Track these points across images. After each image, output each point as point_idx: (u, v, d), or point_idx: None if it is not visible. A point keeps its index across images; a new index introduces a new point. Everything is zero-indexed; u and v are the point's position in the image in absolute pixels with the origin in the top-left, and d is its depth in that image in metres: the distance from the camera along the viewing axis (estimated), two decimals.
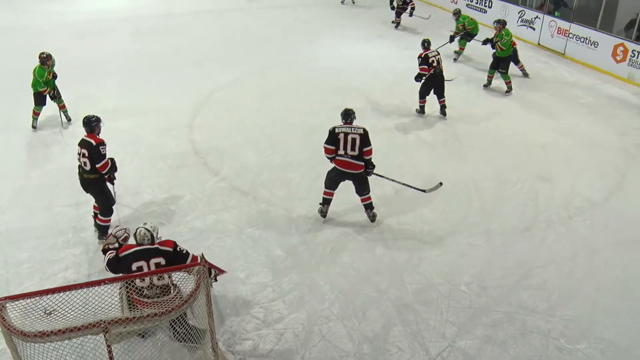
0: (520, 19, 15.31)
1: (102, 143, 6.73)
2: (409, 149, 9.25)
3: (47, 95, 9.92)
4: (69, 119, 10.27)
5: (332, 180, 7.28)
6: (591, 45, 13.08)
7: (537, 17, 14.71)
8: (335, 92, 11.45)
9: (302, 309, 5.88)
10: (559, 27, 13.99)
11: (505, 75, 11.58)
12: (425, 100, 10.57)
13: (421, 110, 10.67)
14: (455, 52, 14.08)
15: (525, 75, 12.60)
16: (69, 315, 4.46)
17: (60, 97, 10.08)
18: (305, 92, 11.63)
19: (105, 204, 7.03)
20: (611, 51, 12.57)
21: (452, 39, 13.77)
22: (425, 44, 10.44)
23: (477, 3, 17.40)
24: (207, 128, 9.98)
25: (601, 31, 12.95)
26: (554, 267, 6.44)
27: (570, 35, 13.63)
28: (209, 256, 6.47)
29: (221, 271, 6.02)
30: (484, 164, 8.70)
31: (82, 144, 6.77)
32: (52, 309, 4.46)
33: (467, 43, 13.83)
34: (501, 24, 11.54)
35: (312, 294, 6.09)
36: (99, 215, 7.08)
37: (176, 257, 5.26)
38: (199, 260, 5.55)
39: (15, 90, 12.00)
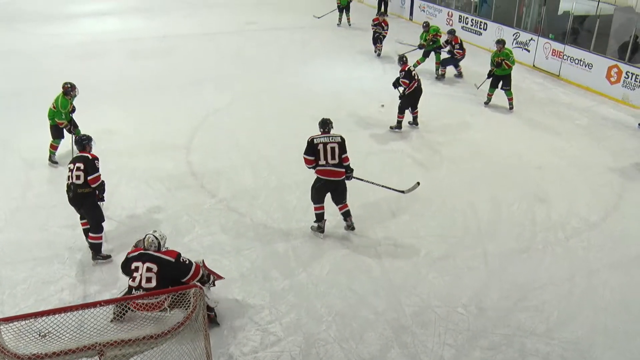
0: (515, 41, 15.44)
1: (96, 158, 6.89)
2: (405, 170, 9.26)
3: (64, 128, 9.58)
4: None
5: (319, 193, 7.40)
6: (586, 66, 13.19)
7: (531, 39, 14.85)
8: (332, 114, 11.37)
9: (299, 332, 5.84)
10: (553, 49, 14.12)
11: (509, 92, 11.83)
12: (403, 116, 10.87)
13: (398, 126, 10.89)
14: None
15: (460, 75, 14.21)
16: (64, 337, 4.43)
17: (77, 127, 9.65)
18: (301, 114, 11.63)
19: (97, 220, 7.06)
20: (605, 72, 12.67)
21: (420, 46, 14.44)
22: (404, 59, 10.83)
23: (472, 25, 17.58)
24: (204, 150, 10.00)
25: (595, 53, 13.08)
26: (552, 289, 6.42)
27: (565, 57, 13.76)
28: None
29: (219, 277, 6.07)
30: (480, 185, 8.72)
31: (77, 159, 6.85)
32: (46, 331, 4.43)
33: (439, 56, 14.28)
34: (502, 43, 11.80)
35: (309, 316, 6.06)
36: (90, 234, 7.07)
37: (177, 267, 5.45)
38: (201, 269, 5.61)
39: (10, 111, 12.12)
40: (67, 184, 6.91)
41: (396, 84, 10.84)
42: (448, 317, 6.01)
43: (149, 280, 5.37)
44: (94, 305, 4.79)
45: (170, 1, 25.81)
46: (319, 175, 7.32)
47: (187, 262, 5.51)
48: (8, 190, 8.79)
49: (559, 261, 6.94)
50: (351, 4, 19.66)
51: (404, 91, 10.61)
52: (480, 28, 17.22)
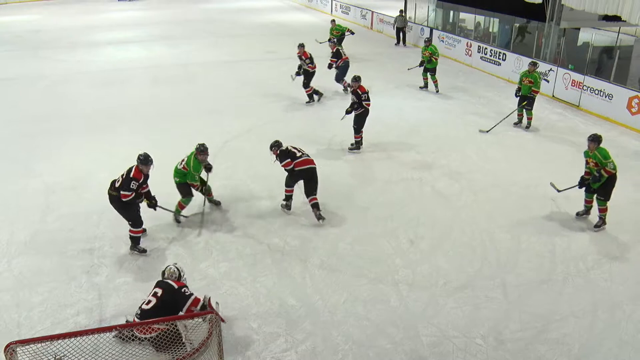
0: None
1: (136, 179, 7.38)
2: (424, 200, 9.22)
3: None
4: (217, 203, 9.15)
5: (295, 179, 8.71)
6: (606, 97, 13.13)
7: (551, 69, 14.84)
8: (349, 142, 11.53)
9: None
10: (573, 80, 14.09)
11: (530, 112, 12.33)
12: (361, 135, 11.28)
13: (357, 146, 11.29)
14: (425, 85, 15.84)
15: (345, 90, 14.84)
16: None
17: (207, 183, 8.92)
18: (320, 142, 11.72)
19: (131, 217, 7.62)
20: (626, 103, 12.60)
21: (421, 63, 15.52)
22: (358, 80, 11.09)
23: (491, 56, 17.63)
24: (222, 176, 10.04)
25: (615, 83, 13.03)
26: (573, 321, 6.29)
27: (585, 88, 13.71)
28: (221, 305, 6.46)
29: (220, 319, 5.95)
30: (499, 215, 8.63)
31: (131, 168, 7.48)
32: (62, 354, 4.44)
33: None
34: (534, 65, 12.24)
35: (325, 344, 6.00)
36: (130, 228, 7.63)
37: (177, 295, 5.69)
38: (199, 304, 5.65)
39: (34, 136, 12.32)
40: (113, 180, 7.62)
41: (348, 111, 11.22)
42: (466, 349, 5.91)
43: (149, 302, 5.66)
44: (109, 329, 4.81)
45: (193, 30, 26.37)
46: (298, 169, 8.52)
47: (187, 293, 5.73)
48: (28, 214, 8.90)
49: (580, 293, 6.81)
50: (347, 36, 19.86)
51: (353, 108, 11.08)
52: (499, 58, 17.27)
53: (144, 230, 8.02)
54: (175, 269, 6.12)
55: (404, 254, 7.68)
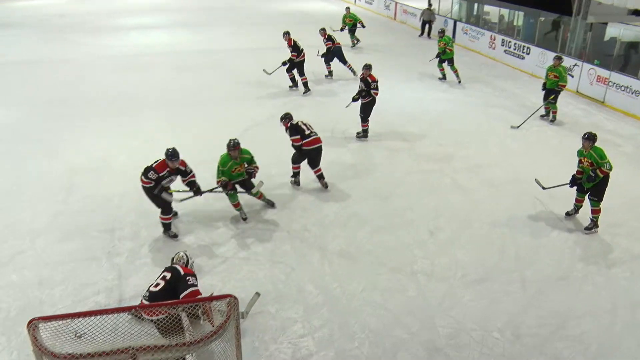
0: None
1: (155, 170, 7.43)
2: (444, 191, 9.18)
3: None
4: (271, 204, 8.76)
5: (302, 158, 9.19)
6: (632, 93, 12.93)
7: (576, 64, 14.64)
8: (371, 132, 11.51)
9: (331, 347, 5.81)
10: (598, 75, 13.90)
11: (554, 106, 12.31)
12: (368, 124, 11.44)
13: (364, 135, 11.50)
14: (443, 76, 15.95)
15: (354, 72, 15.61)
16: (98, 339, 4.49)
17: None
18: (341, 130, 11.72)
19: (158, 204, 7.68)
20: None
21: (437, 55, 15.61)
22: (369, 68, 11.19)
23: (515, 49, 17.45)
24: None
25: None
26: (591, 319, 6.24)
27: (610, 84, 13.52)
28: (239, 289, 6.53)
29: (210, 320, 5.59)
30: (518, 210, 8.57)
31: (159, 159, 7.56)
32: (82, 332, 4.49)
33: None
34: (559, 59, 12.19)
35: (342, 332, 6.03)
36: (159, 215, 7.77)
37: (180, 281, 5.65)
38: (197, 296, 5.68)
39: (58, 119, 12.48)
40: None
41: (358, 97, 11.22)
42: (483, 341, 5.90)
43: (157, 285, 5.68)
44: (129, 309, 4.86)
45: (215, 17, 26.39)
46: (305, 148, 8.98)
47: (189, 282, 5.66)
48: (51, 195, 9.04)
49: (600, 291, 6.75)
50: (359, 28, 19.95)
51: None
52: (523, 52, 17.08)
53: (175, 214, 8.15)
54: (184, 255, 6.20)
55: (422, 244, 7.67)
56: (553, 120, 12.41)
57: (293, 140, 9.10)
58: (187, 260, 6.16)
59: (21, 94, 14.64)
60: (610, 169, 7.66)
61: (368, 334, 6.00)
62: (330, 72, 16.14)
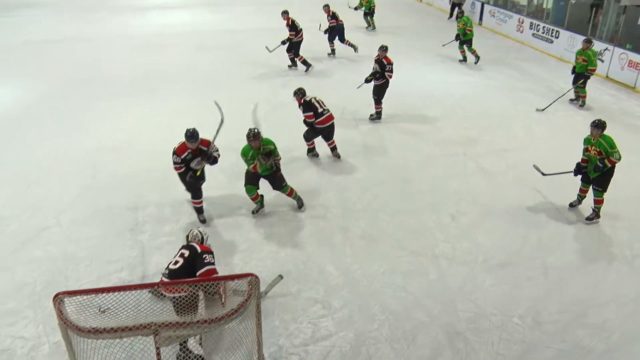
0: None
1: (176, 154, 7.31)
2: (467, 175, 9.11)
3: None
4: (300, 205, 8.21)
5: (315, 135, 9.44)
6: None
7: (606, 49, 14.34)
8: (395, 115, 11.44)
9: (351, 328, 5.84)
10: (630, 60, 13.59)
11: (583, 90, 12.10)
12: (381, 106, 11.33)
13: (377, 117, 11.44)
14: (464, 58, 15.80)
15: (354, 48, 15.94)
16: (121, 314, 4.56)
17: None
18: (361, 111, 11.65)
19: (187, 188, 7.71)
20: None
21: (457, 37, 15.45)
22: (385, 49, 11.01)
23: (543, 33, 17.14)
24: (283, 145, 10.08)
25: None
26: (614, 307, 6.17)
27: None
28: (260, 268, 6.58)
29: (221, 299, 5.77)
30: (543, 195, 8.47)
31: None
32: (106, 307, 4.56)
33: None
34: (588, 42, 11.92)
35: (361, 313, 6.05)
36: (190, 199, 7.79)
37: (195, 258, 5.73)
38: (214, 275, 5.72)
39: (82, 97, 12.61)
40: None
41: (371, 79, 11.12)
42: (503, 327, 5.88)
43: (176, 263, 5.74)
44: (151, 286, 4.93)
45: None
46: (319, 126, 9.22)
47: (206, 260, 5.72)
48: (77, 172, 9.18)
49: (624, 280, 6.66)
50: (376, 9, 19.76)
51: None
52: (552, 35, 16.77)
53: (204, 221, 7.88)
54: (198, 232, 6.27)
55: (444, 228, 7.64)
56: (582, 105, 12.19)
57: (306, 117, 9.22)
58: (202, 238, 6.23)
59: (44, 73, 14.79)
60: (619, 159, 7.39)
61: (388, 316, 6.01)
62: (333, 51, 16.18)
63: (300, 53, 14.56)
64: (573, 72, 12.17)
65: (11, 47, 17.57)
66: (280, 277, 6.13)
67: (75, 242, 7.32)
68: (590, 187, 7.83)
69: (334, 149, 9.59)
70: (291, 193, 7.99)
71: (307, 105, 9.13)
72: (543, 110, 11.90)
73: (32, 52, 16.97)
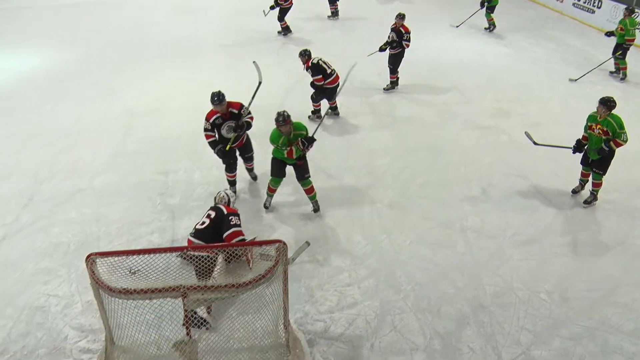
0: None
1: (206, 120, 7.11)
2: (500, 149, 8.98)
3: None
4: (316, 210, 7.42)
5: (322, 96, 9.58)
6: None
7: None
8: (427, 85, 11.30)
9: (377, 297, 5.88)
10: None
11: (623, 62, 11.77)
12: (397, 75, 11.16)
13: (392, 87, 11.25)
14: (487, 27, 15.44)
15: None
16: (150, 276, 4.65)
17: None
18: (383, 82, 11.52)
19: (223, 162, 7.54)
20: None
21: (482, 4, 15.10)
22: (403, 17, 10.77)
23: (585, 3, 16.62)
24: (297, 109, 9.98)
25: None
26: None
27: None
28: (287, 236, 6.64)
29: (248, 261, 5.91)
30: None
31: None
32: (136, 268, 4.66)
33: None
34: (631, 12, 11.66)
35: (387, 283, 6.08)
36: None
37: (222, 220, 5.90)
38: (239, 236, 5.89)
39: (116, 61, 12.69)
40: None
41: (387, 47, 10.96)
42: (529, 302, 5.86)
43: (203, 223, 5.94)
44: (181, 249, 5.00)
45: None
46: (327, 87, 9.34)
47: (232, 222, 5.89)
48: (110, 135, 9.31)
49: None
50: None
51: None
52: (593, 5, 16.25)
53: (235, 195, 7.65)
54: (225, 194, 6.45)
55: (474, 201, 7.58)
56: (623, 79, 11.86)
57: (315, 80, 9.31)
58: (229, 200, 6.36)
59: (79, 36, 14.86)
60: (626, 141, 6.99)
61: (414, 286, 6.03)
62: (335, 12, 16.21)
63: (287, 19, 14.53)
64: (608, 35, 11.98)
65: (45, 10, 17.68)
66: (307, 243, 6.16)
67: (107, 204, 7.46)
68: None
69: (335, 108, 9.79)
70: (311, 191, 7.22)
71: (316, 68, 9.28)
72: (576, 80, 11.63)
73: (67, 16, 17.06)
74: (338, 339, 5.41)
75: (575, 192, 7.79)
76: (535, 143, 7.75)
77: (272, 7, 14.25)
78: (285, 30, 14.69)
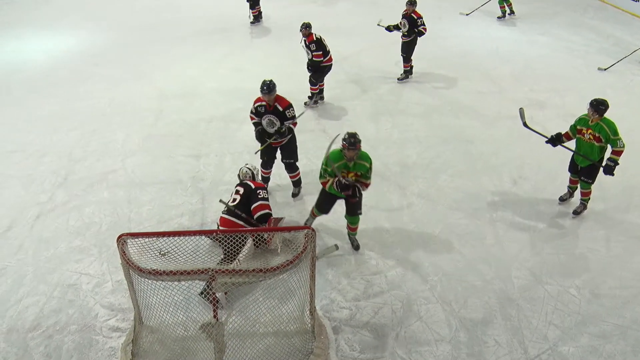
0: None
1: (253, 104, 6.99)
2: (532, 140, 8.75)
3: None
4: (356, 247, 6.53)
5: (321, 78, 9.65)
6: None
7: None
8: (460, 73, 11.15)
9: (403, 287, 5.88)
10: None
11: None
12: (410, 63, 10.89)
13: (406, 76, 10.95)
14: (503, 13, 14.86)
15: None
16: (180, 258, 4.72)
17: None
18: (428, 70, 11.38)
19: (260, 158, 7.38)
20: None
21: None
22: (414, 4, 10.46)
23: None
24: (329, 96, 10.05)
25: None
26: None
27: None
28: (316, 223, 6.65)
29: (268, 243, 5.79)
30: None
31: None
32: (166, 250, 4.72)
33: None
34: None
35: (415, 272, 6.07)
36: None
37: (250, 195, 6.06)
38: (263, 211, 5.97)
39: (148, 44, 12.77)
40: None
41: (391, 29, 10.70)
42: (558, 297, 5.78)
43: (234, 200, 6.09)
44: (210, 232, 5.05)
45: None
46: (325, 64, 9.40)
47: (260, 195, 6.05)
48: (142, 118, 9.41)
49: None
50: None
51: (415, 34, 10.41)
52: None
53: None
54: (248, 170, 6.59)
55: (505, 193, 7.49)
56: None
57: (315, 56, 9.29)
58: (253, 174, 6.52)
59: (112, 18, 14.92)
60: (624, 147, 6.40)
61: (441, 277, 6.01)
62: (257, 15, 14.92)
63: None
64: None
65: None
66: (336, 247, 6.14)
67: (139, 186, 7.57)
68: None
69: (320, 92, 9.76)
70: (356, 229, 6.42)
71: (319, 44, 9.30)
72: (605, 69, 11.35)
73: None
74: (363, 327, 5.42)
75: (562, 199, 7.30)
76: (524, 124, 7.03)
77: None
78: (257, 18, 14.26)
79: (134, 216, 6.99)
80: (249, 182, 6.25)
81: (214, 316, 4.66)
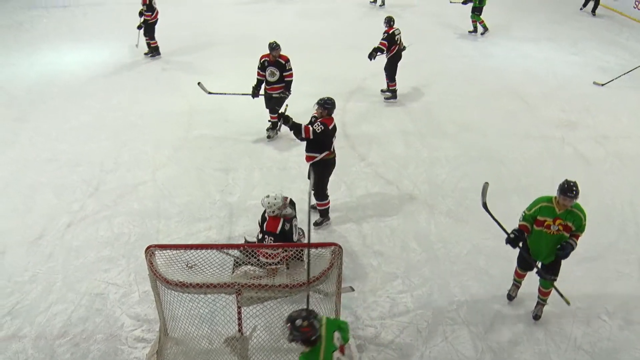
0: None
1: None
2: (564, 161, 8.72)
3: None
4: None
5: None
6: None
7: None
8: (490, 91, 11.09)
9: (429, 307, 5.83)
10: None
11: None
12: (395, 83, 10.69)
13: (393, 95, 10.71)
14: (474, 29, 14.91)
15: None
16: (206, 272, 4.75)
17: None
18: (458, 87, 11.34)
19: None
20: None
21: (464, 2, 14.74)
22: (391, 22, 10.41)
23: None
24: (358, 112, 10.08)
25: None
26: None
27: None
28: (343, 239, 6.64)
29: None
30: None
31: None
32: (193, 263, 4.77)
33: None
34: None
35: (441, 292, 6.02)
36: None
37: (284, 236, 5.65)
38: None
39: (179, 57, 12.89)
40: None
41: (373, 54, 10.40)
42: (588, 322, 5.68)
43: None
44: (237, 247, 5.09)
45: None
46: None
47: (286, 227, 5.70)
48: (173, 131, 9.50)
49: None
50: None
51: (381, 52, 10.41)
52: None
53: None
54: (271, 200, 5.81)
55: None
56: None
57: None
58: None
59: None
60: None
61: (467, 298, 5.95)
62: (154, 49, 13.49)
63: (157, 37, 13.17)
64: None
65: (118, 5, 18.09)
66: (352, 288, 5.90)
67: (168, 198, 7.65)
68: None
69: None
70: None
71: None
72: (603, 85, 11.28)
73: (127, 12, 17.10)
74: (388, 345, 5.39)
75: (511, 298, 5.97)
76: (484, 205, 5.80)
77: (139, 27, 12.88)
78: (154, 51, 13.15)
79: (163, 227, 7.06)
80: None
81: (239, 330, 4.68)
